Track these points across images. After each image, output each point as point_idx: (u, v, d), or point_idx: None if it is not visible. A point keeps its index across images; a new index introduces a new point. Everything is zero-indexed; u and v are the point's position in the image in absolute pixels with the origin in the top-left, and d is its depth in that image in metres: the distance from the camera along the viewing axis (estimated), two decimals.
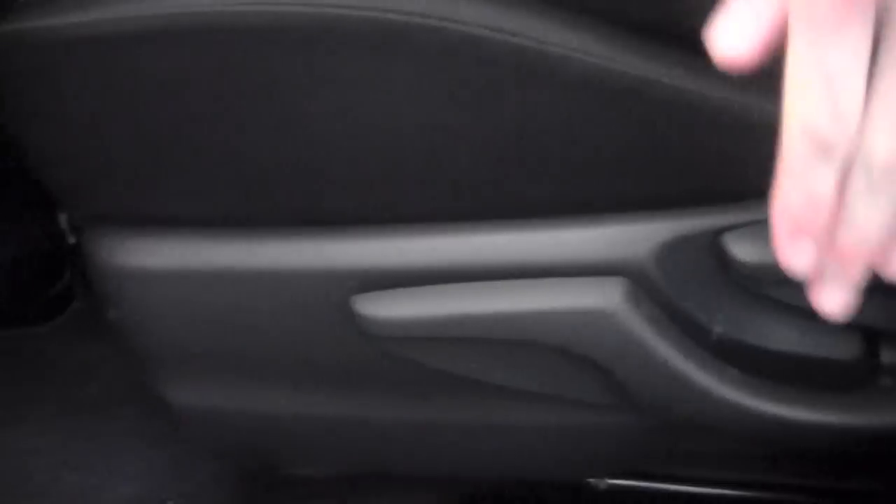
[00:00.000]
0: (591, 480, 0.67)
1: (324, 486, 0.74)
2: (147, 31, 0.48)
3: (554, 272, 0.51)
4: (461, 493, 0.74)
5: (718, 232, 0.50)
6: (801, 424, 0.53)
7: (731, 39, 0.29)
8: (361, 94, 0.48)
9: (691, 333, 0.53)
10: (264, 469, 0.75)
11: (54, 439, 0.92)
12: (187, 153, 0.53)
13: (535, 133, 0.48)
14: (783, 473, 0.65)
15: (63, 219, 0.77)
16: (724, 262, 0.50)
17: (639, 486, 0.67)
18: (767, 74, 0.29)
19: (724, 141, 0.47)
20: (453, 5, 0.46)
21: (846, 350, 0.54)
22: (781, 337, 0.54)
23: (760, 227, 0.50)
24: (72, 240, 0.76)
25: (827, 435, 0.54)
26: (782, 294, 0.52)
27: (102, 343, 0.90)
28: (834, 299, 0.34)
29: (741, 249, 0.50)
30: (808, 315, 0.51)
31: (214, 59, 0.48)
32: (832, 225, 0.31)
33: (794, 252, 0.32)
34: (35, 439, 0.93)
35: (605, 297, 0.51)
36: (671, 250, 0.51)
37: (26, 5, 0.53)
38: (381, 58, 0.46)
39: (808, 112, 0.29)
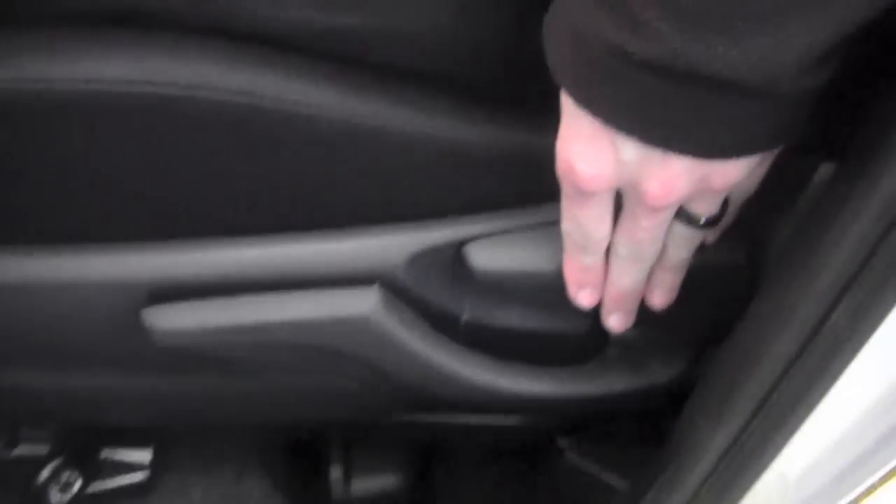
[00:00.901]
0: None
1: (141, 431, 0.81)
2: None
3: (318, 283, 0.58)
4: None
5: (462, 243, 0.58)
6: (541, 398, 0.63)
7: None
8: (118, 151, 0.53)
9: (442, 326, 0.61)
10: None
11: None
12: None
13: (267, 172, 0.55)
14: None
15: None
16: (467, 269, 0.58)
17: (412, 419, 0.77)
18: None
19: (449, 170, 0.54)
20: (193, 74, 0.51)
21: (578, 326, 0.63)
22: (520, 317, 0.63)
23: (497, 239, 0.58)
24: None
25: (563, 403, 0.64)
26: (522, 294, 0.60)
27: None
28: (616, 322, 0.58)
29: (481, 258, 0.58)
30: (543, 302, 0.60)
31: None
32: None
33: (581, 297, 0.57)
34: None
35: (362, 304, 0.58)
36: (420, 259, 0.58)
37: None
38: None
39: (569, 232, 0.52)
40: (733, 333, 0.53)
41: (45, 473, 0.80)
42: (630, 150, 0.43)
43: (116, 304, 0.60)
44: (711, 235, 0.55)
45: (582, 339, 0.63)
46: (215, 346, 0.61)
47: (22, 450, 0.84)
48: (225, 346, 0.61)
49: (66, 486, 0.80)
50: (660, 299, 0.56)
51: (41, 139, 0.54)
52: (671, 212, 0.48)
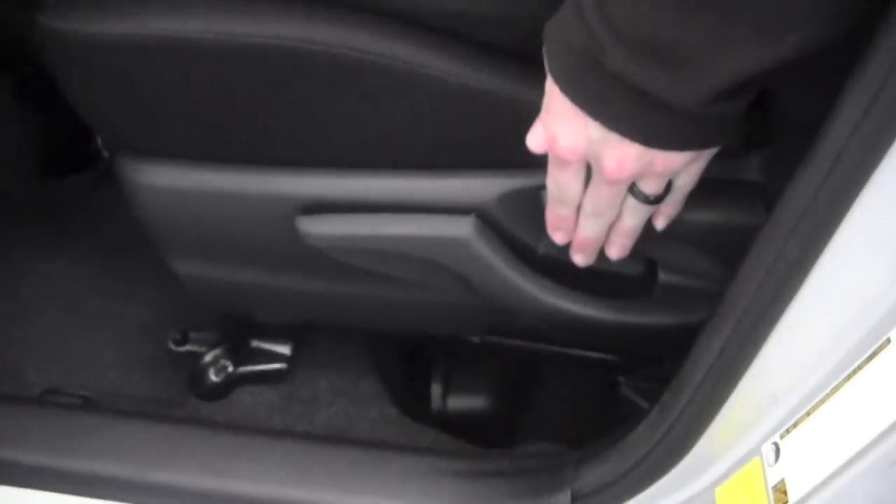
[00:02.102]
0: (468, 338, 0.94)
1: (284, 324, 1.00)
2: (150, 40, 0.71)
3: (428, 210, 0.76)
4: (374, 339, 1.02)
5: (540, 188, 0.74)
6: (600, 322, 0.79)
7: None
8: (301, 98, 0.72)
9: (522, 255, 0.77)
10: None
11: (84, 271, 1.17)
12: (184, 113, 0.76)
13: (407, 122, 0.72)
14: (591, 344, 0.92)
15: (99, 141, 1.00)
16: (542, 209, 0.75)
17: (501, 341, 0.94)
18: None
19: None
20: (354, 36, 0.69)
21: (634, 269, 0.79)
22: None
23: None
24: (105, 154, 0.98)
25: (618, 329, 0.79)
26: None
27: None
28: (580, 259, 0.75)
29: None
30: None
31: (207, 62, 0.72)
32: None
33: (556, 237, 0.73)
34: (69, 269, 1.18)
35: (461, 228, 0.75)
36: (506, 198, 0.75)
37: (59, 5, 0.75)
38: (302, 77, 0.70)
39: (551, 189, 0.68)
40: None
41: (207, 358, 1.00)
42: (596, 131, 0.60)
43: (279, 213, 0.79)
44: (661, 222, 0.71)
45: (634, 280, 0.79)
46: (349, 252, 0.79)
47: (190, 346, 1.05)
48: (357, 252, 0.79)
49: (221, 369, 1.00)
50: (615, 253, 0.73)
51: (229, 81, 0.73)
52: (625, 186, 0.64)
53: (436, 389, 0.99)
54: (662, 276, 0.79)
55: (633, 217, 0.69)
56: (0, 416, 0.83)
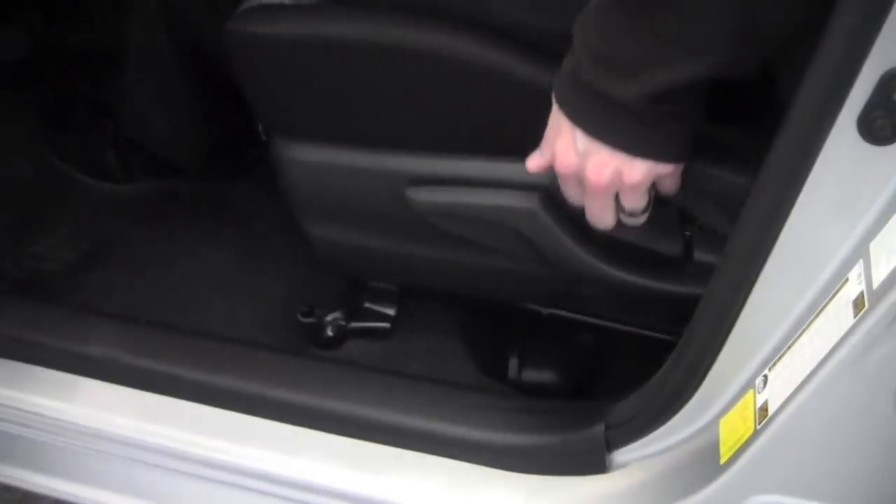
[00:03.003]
0: (539, 308, 1.13)
1: (395, 291, 1.22)
2: (318, 39, 0.95)
3: (508, 186, 0.96)
4: (462, 304, 1.22)
5: None
6: (639, 286, 0.97)
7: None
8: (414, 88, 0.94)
9: (579, 228, 0.97)
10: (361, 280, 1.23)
11: (235, 256, 1.41)
12: (329, 101, 0.99)
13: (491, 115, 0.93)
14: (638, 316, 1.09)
15: (260, 127, 1.24)
16: None
17: (565, 314, 1.13)
18: None
19: None
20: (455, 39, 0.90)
21: (673, 248, 0.97)
22: (641, 235, 0.97)
23: None
24: (263, 137, 1.22)
25: (659, 293, 0.97)
26: None
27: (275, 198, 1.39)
28: (597, 224, 0.88)
29: None
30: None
31: (352, 58, 0.94)
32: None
33: (573, 201, 0.88)
34: (223, 253, 1.42)
35: (531, 202, 0.95)
36: None
37: (250, 11, 0.99)
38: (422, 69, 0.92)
39: (563, 188, 0.85)
40: None
41: (327, 319, 1.22)
42: (581, 142, 0.79)
43: (394, 185, 1.01)
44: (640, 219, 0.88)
45: (673, 257, 0.97)
46: (445, 217, 1.00)
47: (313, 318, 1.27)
48: (451, 218, 1.00)
49: (337, 326, 1.21)
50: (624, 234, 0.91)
51: (366, 74, 0.95)
52: (608, 197, 0.83)
53: (513, 362, 1.17)
54: (697, 255, 0.96)
55: (628, 222, 0.88)
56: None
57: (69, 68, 1.61)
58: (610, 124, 0.77)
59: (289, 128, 1.06)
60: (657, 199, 0.87)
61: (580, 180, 0.83)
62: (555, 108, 0.81)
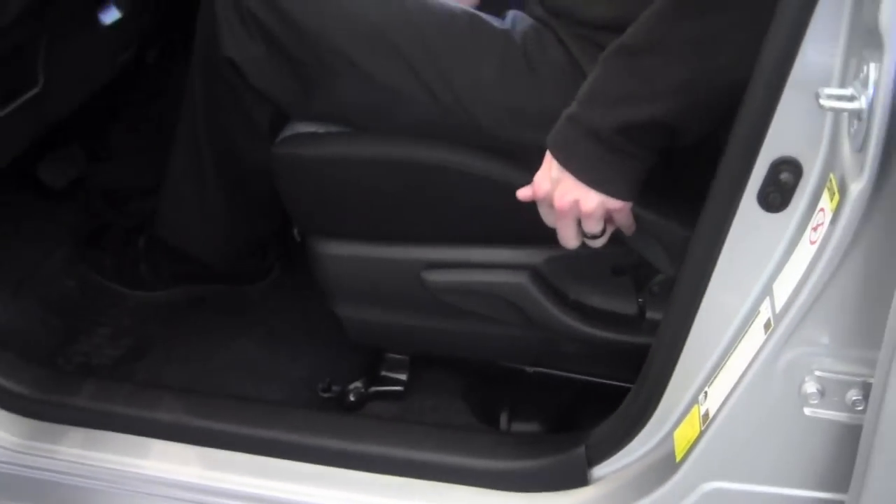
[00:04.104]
0: (525, 368, 1.41)
1: (407, 360, 1.49)
2: (351, 158, 1.24)
3: (502, 267, 1.25)
4: (462, 367, 1.50)
5: (566, 256, 1.23)
6: (608, 339, 1.26)
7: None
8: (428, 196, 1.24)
9: (560, 297, 1.26)
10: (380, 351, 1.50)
11: (257, 346, 1.67)
12: (359, 206, 1.28)
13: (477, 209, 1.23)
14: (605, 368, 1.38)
15: (295, 230, 1.52)
16: (572, 270, 1.23)
17: (548, 372, 1.41)
18: None
19: None
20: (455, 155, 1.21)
21: (630, 309, 1.26)
22: (605, 301, 1.26)
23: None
24: (298, 238, 1.50)
25: (620, 344, 1.26)
26: None
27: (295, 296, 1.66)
28: (564, 243, 1.16)
29: None
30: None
31: (378, 171, 1.24)
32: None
33: (546, 220, 1.16)
34: (249, 339, 1.68)
35: (521, 278, 1.25)
36: (550, 260, 1.24)
37: (293, 137, 1.29)
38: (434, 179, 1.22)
39: (541, 212, 1.13)
40: None
41: (350, 387, 1.48)
42: (555, 171, 1.09)
43: (412, 269, 1.30)
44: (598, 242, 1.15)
45: (631, 316, 1.26)
46: (453, 293, 1.28)
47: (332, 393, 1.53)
48: (458, 293, 1.28)
49: (358, 393, 1.47)
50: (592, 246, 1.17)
51: (390, 183, 1.25)
52: (572, 220, 1.11)
53: (503, 416, 1.44)
54: (649, 314, 1.26)
55: (590, 244, 1.16)
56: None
57: (105, 198, 1.89)
58: (578, 154, 1.07)
59: (323, 229, 1.34)
60: (616, 239, 1.15)
61: (551, 205, 1.11)
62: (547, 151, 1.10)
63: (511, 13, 1.31)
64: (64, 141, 1.84)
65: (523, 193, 1.15)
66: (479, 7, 1.36)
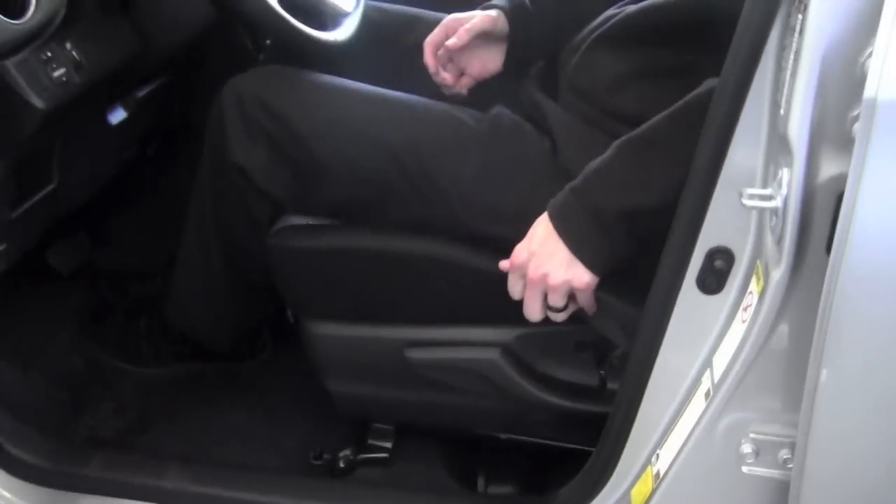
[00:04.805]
0: (499, 434, 1.55)
1: (392, 429, 1.62)
2: (341, 249, 1.39)
3: (476, 344, 1.40)
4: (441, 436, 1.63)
5: (535, 334, 1.38)
6: (571, 408, 1.40)
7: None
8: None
9: (528, 370, 1.40)
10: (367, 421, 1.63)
11: (253, 418, 1.79)
12: (347, 291, 1.43)
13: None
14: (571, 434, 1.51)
15: (289, 312, 1.66)
16: (540, 347, 1.38)
17: (520, 438, 1.55)
18: None
19: None
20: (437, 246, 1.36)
21: (592, 381, 1.41)
22: (570, 374, 1.41)
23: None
24: (291, 319, 1.64)
25: (583, 412, 1.40)
26: None
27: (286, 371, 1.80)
28: (529, 315, 1.31)
29: None
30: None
31: (365, 261, 1.39)
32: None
33: (513, 291, 1.30)
34: (245, 412, 1.81)
35: (493, 354, 1.39)
36: (520, 338, 1.39)
37: (287, 229, 1.44)
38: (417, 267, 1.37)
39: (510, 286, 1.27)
40: None
41: (339, 455, 1.61)
42: (534, 244, 1.24)
43: (396, 347, 1.44)
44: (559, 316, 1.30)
45: (594, 387, 1.41)
46: (433, 368, 1.42)
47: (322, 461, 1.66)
48: (437, 368, 1.42)
49: (347, 460, 1.60)
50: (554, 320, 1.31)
51: (375, 271, 1.40)
52: (539, 293, 1.25)
53: (480, 480, 1.57)
54: (609, 385, 1.40)
55: (554, 316, 1.29)
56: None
57: (108, 280, 2.03)
58: (574, 225, 1.20)
59: (315, 311, 1.49)
60: (579, 318, 1.29)
61: (523, 275, 1.25)
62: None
63: (496, 108, 1.44)
64: (71, 228, 1.97)
65: (503, 264, 1.27)
66: (466, 102, 1.51)
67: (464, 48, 1.56)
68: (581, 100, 1.39)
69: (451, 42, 1.54)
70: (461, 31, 1.54)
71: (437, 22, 1.59)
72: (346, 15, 1.61)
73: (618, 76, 1.36)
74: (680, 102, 1.20)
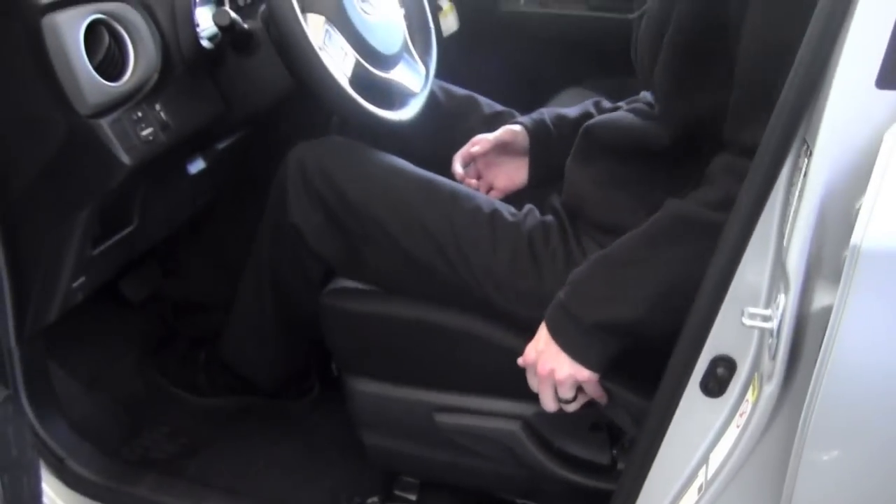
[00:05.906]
0: (515, 500, 1.66)
1: (417, 483, 1.74)
2: (386, 315, 1.52)
3: (499, 416, 1.51)
4: (463, 494, 1.74)
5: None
6: (584, 483, 1.50)
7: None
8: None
9: (545, 444, 1.51)
10: (395, 473, 1.75)
11: (299, 450, 1.93)
12: (388, 354, 1.56)
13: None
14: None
15: (334, 365, 1.79)
16: (557, 423, 1.48)
17: None
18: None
19: None
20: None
21: (604, 459, 1.51)
22: (584, 451, 1.51)
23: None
24: (335, 372, 1.77)
25: (594, 488, 1.50)
26: None
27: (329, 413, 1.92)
28: (544, 406, 1.44)
29: None
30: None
31: (408, 329, 1.52)
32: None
33: (531, 384, 1.44)
34: (288, 447, 1.94)
35: (515, 426, 1.50)
36: (541, 413, 1.50)
37: (338, 290, 1.57)
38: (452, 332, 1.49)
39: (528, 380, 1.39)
40: None
41: (368, 501, 1.73)
42: (541, 343, 1.36)
43: (426, 410, 1.55)
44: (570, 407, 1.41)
45: (606, 466, 1.51)
46: (459, 433, 1.54)
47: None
48: (463, 433, 1.54)
49: None
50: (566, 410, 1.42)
51: (413, 338, 1.52)
52: (549, 386, 1.37)
53: None
54: (619, 465, 1.50)
55: (566, 406, 1.41)
56: None
57: (174, 310, 2.18)
58: (563, 332, 1.33)
59: (356, 368, 1.61)
60: (592, 403, 1.40)
61: (535, 372, 1.37)
62: None
63: (527, 206, 1.56)
64: (144, 260, 2.13)
65: (520, 360, 1.40)
66: (504, 198, 1.64)
67: (489, 162, 1.74)
68: (574, 213, 1.53)
69: (474, 149, 1.71)
70: (483, 140, 1.71)
71: (491, 111, 1.72)
72: (413, 96, 1.73)
73: (586, 189, 1.50)
74: (647, 225, 1.32)
